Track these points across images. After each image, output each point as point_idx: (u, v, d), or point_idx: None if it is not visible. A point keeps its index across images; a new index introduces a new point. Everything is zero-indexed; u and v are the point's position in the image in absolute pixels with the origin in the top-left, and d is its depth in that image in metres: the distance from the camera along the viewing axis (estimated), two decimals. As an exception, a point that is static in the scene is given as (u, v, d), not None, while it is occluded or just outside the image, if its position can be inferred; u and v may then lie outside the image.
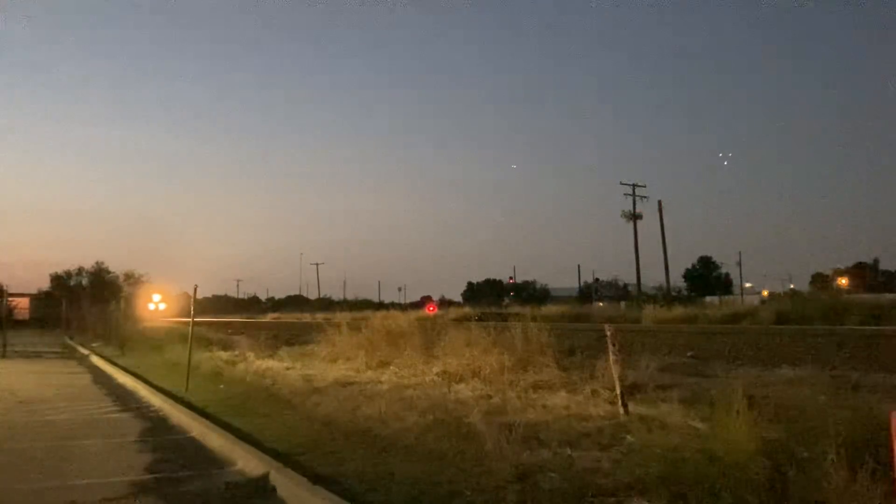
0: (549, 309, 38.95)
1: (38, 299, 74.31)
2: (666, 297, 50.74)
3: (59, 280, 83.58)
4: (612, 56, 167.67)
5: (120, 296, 44.99)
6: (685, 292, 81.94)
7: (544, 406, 8.59)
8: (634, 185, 58.14)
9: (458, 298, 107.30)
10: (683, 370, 12.13)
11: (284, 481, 5.94)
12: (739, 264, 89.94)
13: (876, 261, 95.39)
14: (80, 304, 48.71)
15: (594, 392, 9.00)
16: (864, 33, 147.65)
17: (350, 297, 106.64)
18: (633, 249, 57.33)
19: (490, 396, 9.50)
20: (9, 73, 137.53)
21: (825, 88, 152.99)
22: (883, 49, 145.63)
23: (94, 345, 27.59)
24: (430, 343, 13.91)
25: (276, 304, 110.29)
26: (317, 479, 5.81)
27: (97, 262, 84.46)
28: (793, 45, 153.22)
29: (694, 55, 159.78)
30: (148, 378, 14.74)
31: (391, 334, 15.72)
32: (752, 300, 56.31)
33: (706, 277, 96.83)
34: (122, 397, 12.95)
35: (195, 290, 14.96)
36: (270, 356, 17.47)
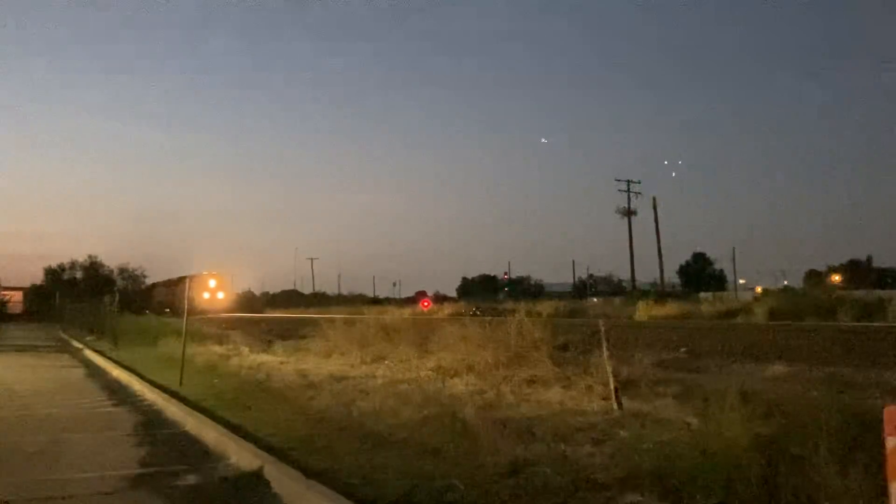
0: (544, 304, 39.00)
1: (32, 293, 74.14)
2: (660, 292, 50.83)
3: (52, 273, 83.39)
4: (607, 53, 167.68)
5: (114, 289, 44.95)
6: (679, 288, 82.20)
7: (538, 401, 8.62)
8: (629, 182, 58.26)
9: (453, 294, 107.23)
10: (677, 366, 12.19)
11: (279, 475, 5.95)
12: (733, 260, 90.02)
13: (869, 258, 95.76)
14: (74, 298, 48.60)
15: (588, 387, 9.02)
16: (858, 30, 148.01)
17: (344, 291, 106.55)
18: (627, 245, 57.52)
19: (484, 391, 9.53)
20: (1, 65, 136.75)
21: (820, 85, 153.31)
22: (877, 45, 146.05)
23: (87, 338, 27.55)
24: (425, 338, 13.94)
25: (270, 300, 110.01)
26: (311, 473, 5.81)
27: (90, 256, 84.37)
28: (787, 41, 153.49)
29: (689, 52, 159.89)
30: (142, 372, 14.72)
31: (385, 329, 15.75)
32: (745, 296, 56.44)
33: (700, 273, 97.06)
34: (116, 391, 12.94)
35: (188, 284, 14.94)
36: (265, 351, 17.49)
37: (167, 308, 51.31)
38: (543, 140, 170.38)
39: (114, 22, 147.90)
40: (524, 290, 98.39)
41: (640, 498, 4.86)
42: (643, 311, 34.43)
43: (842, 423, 5.41)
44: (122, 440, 8.17)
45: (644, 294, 46.83)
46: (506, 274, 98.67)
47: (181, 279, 58.09)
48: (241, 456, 6.85)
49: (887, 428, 3.45)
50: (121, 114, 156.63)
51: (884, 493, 3.56)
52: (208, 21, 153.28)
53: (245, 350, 17.64)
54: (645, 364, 11.49)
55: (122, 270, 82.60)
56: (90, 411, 10.47)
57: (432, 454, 6.41)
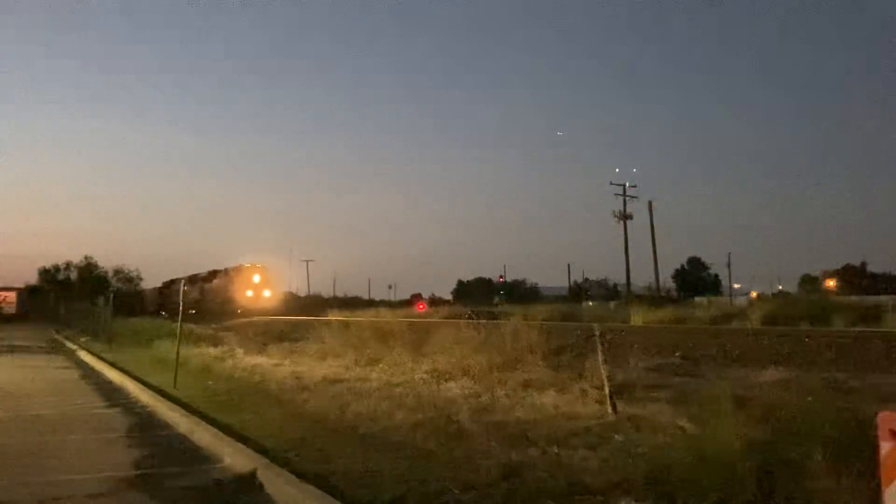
0: (539, 308, 39.00)
1: (26, 293, 73.83)
2: (655, 297, 50.90)
3: (47, 274, 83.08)
4: (603, 56, 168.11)
5: (108, 290, 44.60)
6: (674, 292, 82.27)
7: (533, 405, 8.61)
8: (625, 186, 58.30)
9: (449, 296, 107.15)
10: (672, 370, 12.17)
11: (272, 478, 5.93)
12: (728, 265, 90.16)
13: (863, 263, 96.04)
14: (69, 299, 48.42)
15: (583, 391, 9.02)
16: (856, 36, 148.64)
17: (339, 294, 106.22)
18: (623, 249, 57.55)
19: (479, 395, 9.51)
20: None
21: (816, 91, 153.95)
22: (875, 51, 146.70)
23: (82, 339, 27.45)
24: (420, 341, 13.92)
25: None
26: (304, 475, 5.80)
27: (86, 257, 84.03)
28: (784, 47, 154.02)
29: (684, 56, 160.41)
30: (136, 374, 14.68)
31: (380, 332, 15.73)
32: (740, 301, 56.53)
33: (695, 278, 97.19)
34: (110, 393, 12.90)
35: (183, 284, 14.92)
36: (259, 353, 17.44)
37: (192, 309, 40.26)
38: (559, 133, 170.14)
39: (111, 23, 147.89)
40: (520, 293, 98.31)
41: (635, 502, 4.86)
42: (638, 315, 34.43)
43: (836, 428, 5.42)
44: (116, 442, 8.14)
45: (639, 298, 46.85)
46: (501, 277, 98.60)
47: (213, 273, 44.71)
48: (234, 458, 6.83)
49: (881, 433, 3.45)
50: (117, 115, 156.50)
51: (878, 497, 3.56)
52: (206, 22, 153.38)
53: (240, 352, 17.58)
54: (639, 368, 11.49)
55: (118, 272, 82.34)
56: (83, 413, 10.43)
57: (426, 457, 6.40)
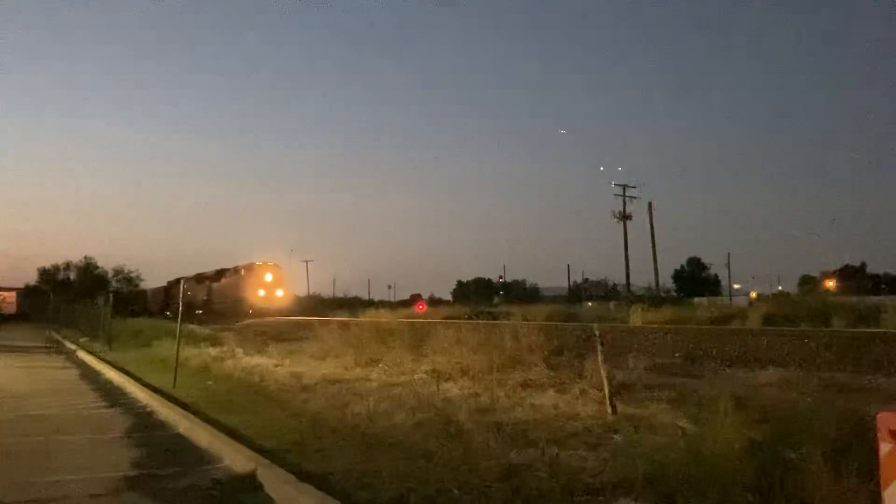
0: (539, 308, 39.02)
1: (26, 293, 73.91)
2: (655, 297, 50.87)
3: (46, 274, 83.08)
4: (603, 57, 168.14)
5: (108, 290, 44.46)
6: (674, 293, 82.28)
7: (532, 405, 8.61)
8: (625, 186, 58.29)
9: (448, 297, 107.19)
10: (671, 370, 12.19)
11: (272, 478, 5.93)
12: (728, 265, 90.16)
13: (863, 264, 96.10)
14: (68, 299, 48.38)
15: (582, 391, 9.03)
16: (857, 36, 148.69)
17: (339, 294, 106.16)
18: (622, 250, 57.53)
19: (478, 395, 9.52)
20: (0, 67, 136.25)
21: (817, 92, 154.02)
22: (876, 51, 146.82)
23: (81, 340, 27.43)
24: (419, 341, 13.93)
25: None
26: (304, 476, 5.79)
27: (85, 257, 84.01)
28: (785, 46, 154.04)
29: (685, 56, 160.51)
30: (135, 374, 14.67)
31: (380, 332, 15.73)
32: (740, 301, 56.56)
33: (695, 278, 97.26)
34: (110, 393, 12.89)
35: (182, 285, 14.91)
36: (259, 353, 17.43)
37: (198, 310, 38.00)
38: (562, 131, 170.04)
39: (111, 23, 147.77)
40: (519, 293, 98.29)
41: (634, 502, 4.86)
42: (637, 315, 34.41)
43: (835, 429, 5.42)
44: (115, 442, 8.14)
45: (639, 298, 46.83)
46: (501, 277, 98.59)
47: (221, 272, 41.87)
48: (234, 458, 6.83)
49: (880, 433, 3.46)
50: (117, 115, 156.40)
51: (877, 498, 3.56)
52: (206, 22, 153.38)
53: (239, 352, 17.58)
54: (639, 368, 11.50)
55: (118, 272, 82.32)
56: (83, 413, 10.43)
57: (426, 457, 6.40)
